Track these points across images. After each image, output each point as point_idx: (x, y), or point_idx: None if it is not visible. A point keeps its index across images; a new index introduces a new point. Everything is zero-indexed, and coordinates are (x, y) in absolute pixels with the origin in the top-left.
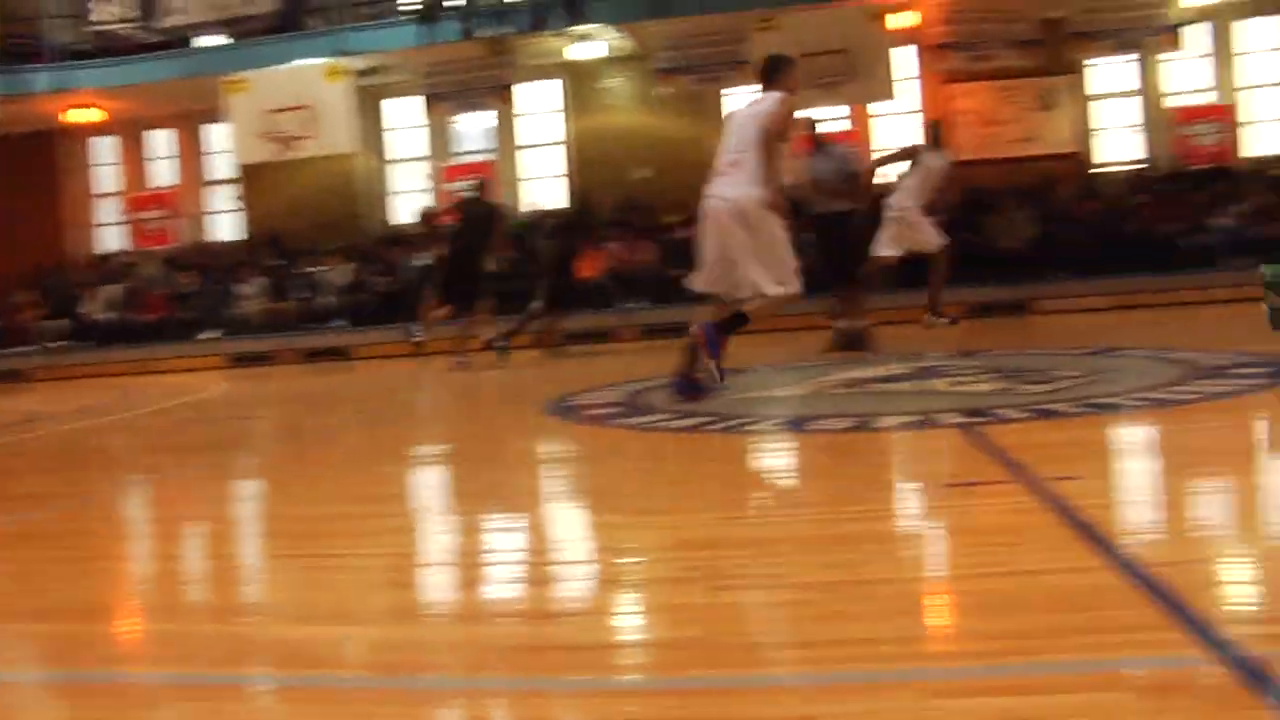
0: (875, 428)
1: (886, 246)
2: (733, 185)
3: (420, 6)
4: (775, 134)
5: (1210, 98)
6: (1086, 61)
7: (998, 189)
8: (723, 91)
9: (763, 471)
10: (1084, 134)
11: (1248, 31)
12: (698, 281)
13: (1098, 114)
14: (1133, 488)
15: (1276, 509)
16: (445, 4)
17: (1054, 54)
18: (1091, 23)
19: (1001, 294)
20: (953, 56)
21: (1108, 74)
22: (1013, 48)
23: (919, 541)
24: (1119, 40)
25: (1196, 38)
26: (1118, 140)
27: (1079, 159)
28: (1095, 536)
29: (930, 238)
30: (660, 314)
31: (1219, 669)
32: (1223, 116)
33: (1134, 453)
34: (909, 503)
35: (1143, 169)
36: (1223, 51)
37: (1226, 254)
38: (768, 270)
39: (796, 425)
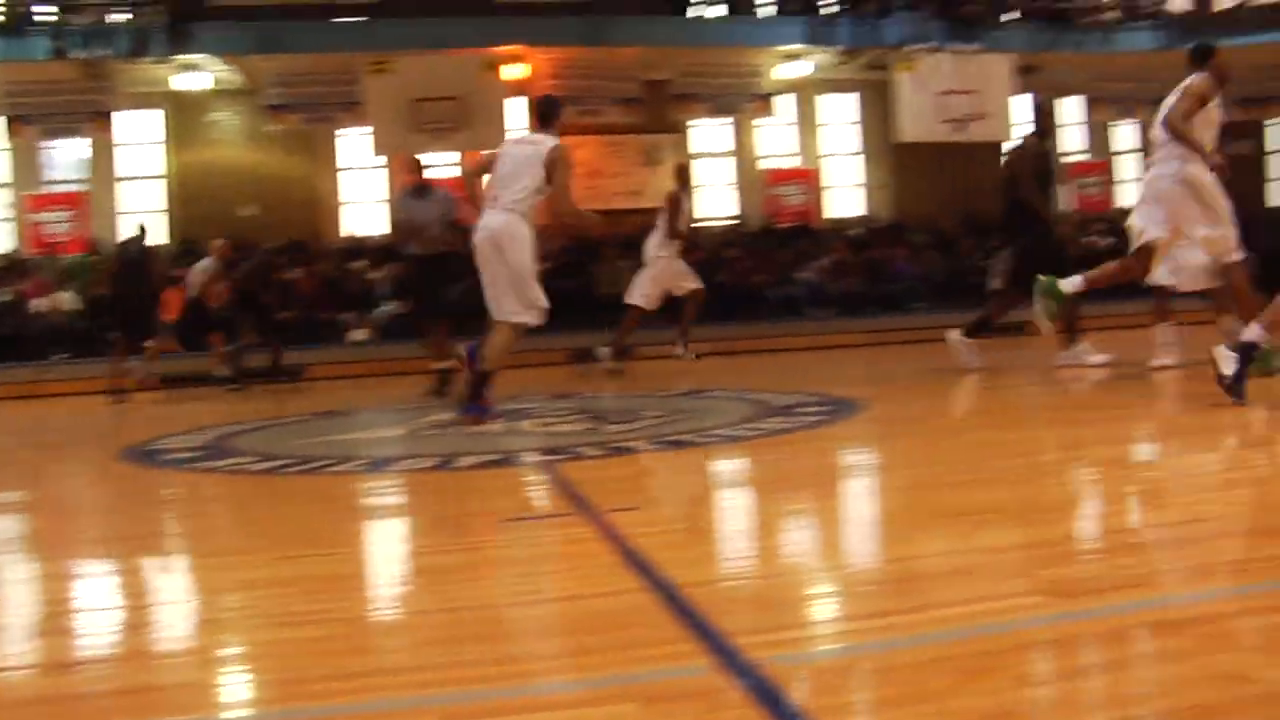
0: (456, 466)
1: (642, 291)
2: (495, 216)
3: (2, 18)
4: (559, 180)
5: (796, 162)
6: (688, 122)
7: (602, 239)
8: (335, 132)
9: (333, 512)
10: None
11: (828, 105)
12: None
13: (697, 172)
14: (682, 516)
15: (800, 533)
16: (34, 17)
17: (657, 113)
18: (692, 86)
19: (599, 340)
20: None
21: (707, 135)
22: (618, 105)
23: (472, 573)
24: (717, 104)
25: (785, 107)
26: (715, 197)
27: None
28: (638, 562)
29: (688, 278)
30: (270, 356)
31: (721, 676)
32: (807, 180)
33: (692, 485)
34: (470, 537)
35: (737, 225)
36: (807, 121)
37: (809, 305)
38: (511, 298)
39: (379, 465)
